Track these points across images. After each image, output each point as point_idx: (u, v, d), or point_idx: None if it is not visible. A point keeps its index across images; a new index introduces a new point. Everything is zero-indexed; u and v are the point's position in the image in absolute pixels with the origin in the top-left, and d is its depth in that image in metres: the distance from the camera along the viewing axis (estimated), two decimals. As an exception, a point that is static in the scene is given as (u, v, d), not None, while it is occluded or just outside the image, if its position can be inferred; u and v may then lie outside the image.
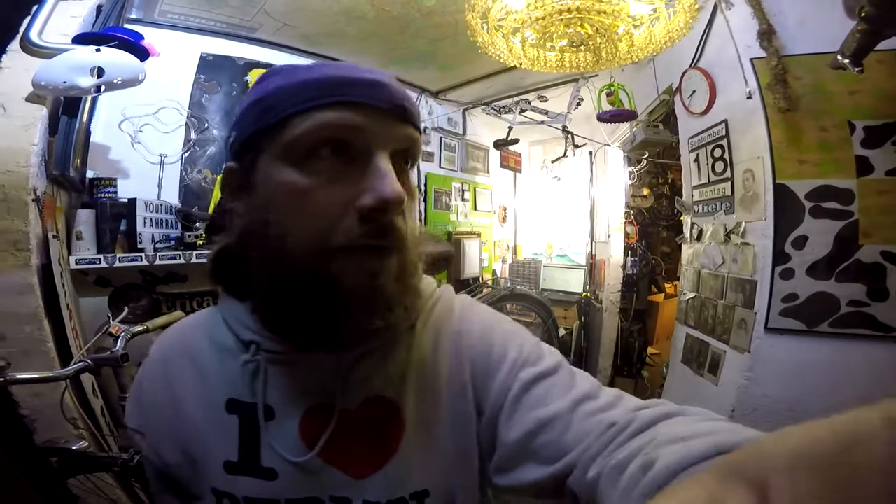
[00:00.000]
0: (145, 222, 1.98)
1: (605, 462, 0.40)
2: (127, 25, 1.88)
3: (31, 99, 1.45)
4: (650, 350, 3.90)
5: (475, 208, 4.20)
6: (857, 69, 1.30)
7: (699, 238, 2.16)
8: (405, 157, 0.48)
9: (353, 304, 0.44)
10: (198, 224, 2.21)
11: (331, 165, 0.44)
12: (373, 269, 0.44)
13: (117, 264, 1.84)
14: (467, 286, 3.66)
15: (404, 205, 0.44)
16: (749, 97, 1.73)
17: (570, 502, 0.44)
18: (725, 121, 1.90)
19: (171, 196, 2.26)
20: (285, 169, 0.44)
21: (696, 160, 2.15)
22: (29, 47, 1.47)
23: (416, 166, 0.52)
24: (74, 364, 1.26)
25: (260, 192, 0.46)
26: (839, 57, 1.33)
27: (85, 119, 1.72)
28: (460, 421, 0.51)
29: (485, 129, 4.13)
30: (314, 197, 0.43)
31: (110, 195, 1.93)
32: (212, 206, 2.32)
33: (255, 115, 0.45)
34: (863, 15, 1.20)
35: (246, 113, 0.47)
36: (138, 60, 1.61)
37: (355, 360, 0.50)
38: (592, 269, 3.98)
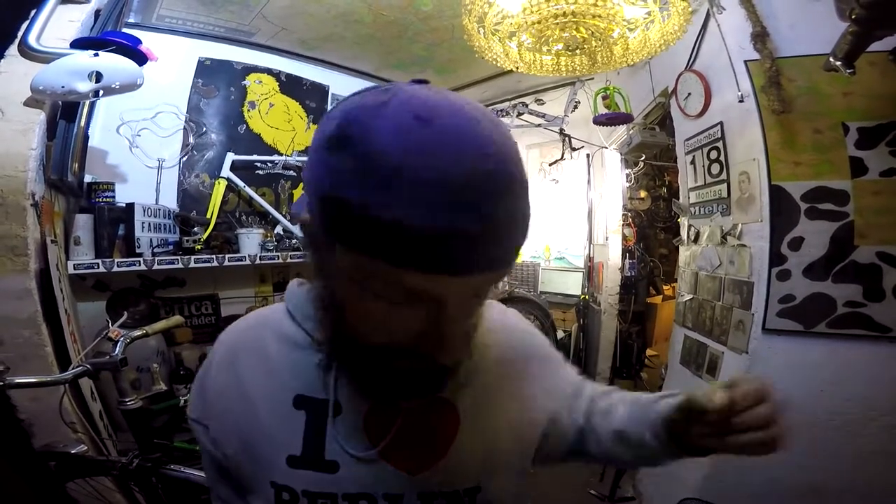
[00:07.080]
0: (143, 227, 1.99)
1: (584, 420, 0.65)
2: (125, 30, 1.89)
3: (29, 103, 1.46)
4: (649, 352, 3.91)
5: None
6: (849, 71, 1.30)
7: (696, 240, 2.17)
8: None
9: (416, 378, 0.48)
10: (196, 229, 2.21)
11: (401, 299, 0.40)
12: (433, 365, 0.46)
13: (115, 269, 1.85)
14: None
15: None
16: (741, 100, 1.74)
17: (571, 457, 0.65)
18: (721, 123, 1.91)
19: (169, 201, 2.26)
20: (354, 283, 0.41)
21: (692, 162, 2.16)
22: (27, 52, 1.47)
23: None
24: (73, 368, 1.27)
25: (333, 272, 0.44)
26: (831, 59, 1.33)
27: (83, 123, 1.72)
28: (518, 424, 0.58)
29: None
30: (380, 316, 0.42)
31: (108, 200, 1.93)
32: (210, 211, 2.31)
33: (335, 209, 0.38)
34: (854, 17, 1.21)
35: (325, 200, 0.39)
36: (136, 65, 1.61)
37: None
38: (591, 272, 3.98)
